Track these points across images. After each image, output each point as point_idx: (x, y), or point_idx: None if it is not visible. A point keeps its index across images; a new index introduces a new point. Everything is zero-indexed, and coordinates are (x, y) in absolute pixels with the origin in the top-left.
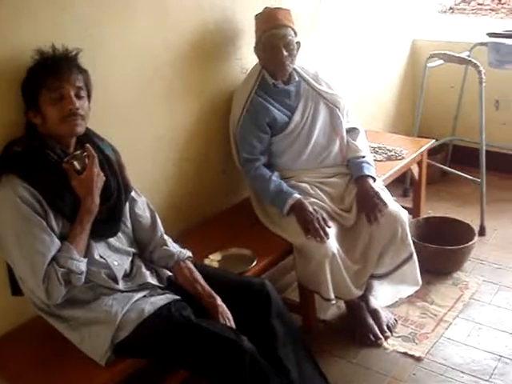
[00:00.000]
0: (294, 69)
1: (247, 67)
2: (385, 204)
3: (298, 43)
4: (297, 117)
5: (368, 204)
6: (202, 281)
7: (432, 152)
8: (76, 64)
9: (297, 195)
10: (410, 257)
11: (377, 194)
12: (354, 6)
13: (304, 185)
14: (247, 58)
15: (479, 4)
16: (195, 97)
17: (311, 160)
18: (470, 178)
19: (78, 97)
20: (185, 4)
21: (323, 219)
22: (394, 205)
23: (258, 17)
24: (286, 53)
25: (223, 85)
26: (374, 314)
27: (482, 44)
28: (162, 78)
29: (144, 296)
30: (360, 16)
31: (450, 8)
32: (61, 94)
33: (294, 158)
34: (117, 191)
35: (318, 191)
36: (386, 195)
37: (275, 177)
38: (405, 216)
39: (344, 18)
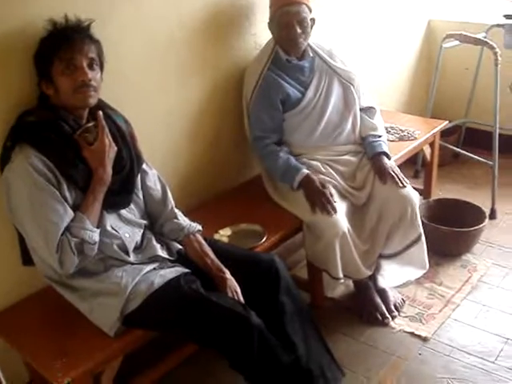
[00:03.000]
0: (309, 45)
1: (261, 43)
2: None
3: (313, 20)
4: (310, 93)
5: (384, 175)
6: (211, 254)
7: (444, 134)
8: (88, 35)
9: (305, 170)
10: (419, 238)
11: (392, 170)
12: None
13: (315, 163)
14: (261, 34)
15: None
16: (208, 72)
17: (324, 137)
18: (483, 160)
19: (91, 68)
20: None
21: (330, 194)
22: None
23: None
24: (299, 30)
25: (237, 60)
26: (382, 293)
27: (498, 26)
28: (175, 51)
29: (154, 268)
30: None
31: None
32: (73, 65)
33: (306, 134)
34: (129, 162)
35: (330, 169)
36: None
37: (283, 153)
38: (415, 197)
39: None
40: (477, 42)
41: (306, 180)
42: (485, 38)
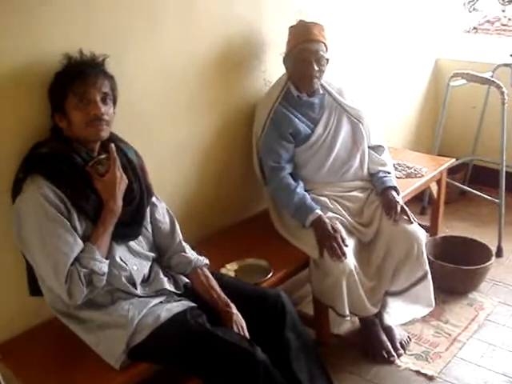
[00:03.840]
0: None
1: (271, 80)
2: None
3: (328, 60)
4: (319, 129)
5: (393, 208)
6: (218, 289)
7: (451, 171)
8: (103, 70)
9: (318, 211)
10: (425, 276)
11: (400, 205)
12: (379, 23)
13: (323, 198)
14: (271, 71)
15: (503, 25)
16: (219, 107)
17: (332, 173)
18: (489, 198)
19: (104, 102)
20: (212, 16)
21: (342, 238)
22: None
23: (292, 28)
24: (316, 68)
25: (247, 96)
26: (388, 330)
27: (505, 65)
28: (187, 86)
29: (161, 302)
30: (385, 34)
31: (474, 28)
32: (87, 99)
33: (314, 170)
34: (139, 194)
35: (337, 205)
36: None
37: (300, 188)
38: (421, 234)
39: (368, 35)
40: (484, 81)
41: (318, 221)
42: (491, 77)
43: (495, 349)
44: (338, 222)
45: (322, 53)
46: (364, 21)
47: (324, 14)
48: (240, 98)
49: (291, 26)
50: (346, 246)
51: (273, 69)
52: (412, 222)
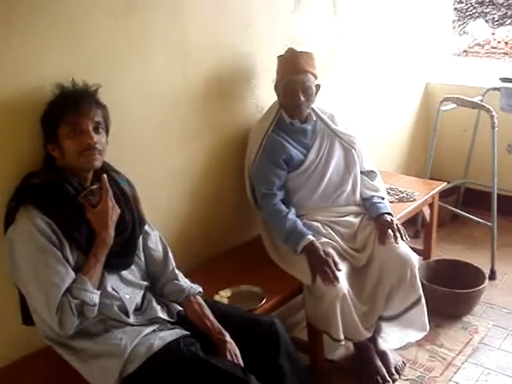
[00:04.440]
0: (312, 108)
1: (263, 106)
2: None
3: (318, 86)
4: (312, 155)
5: (391, 228)
6: (211, 317)
7: (443, 194)
8: (95, 99)
9: (310, 237)
10: (419, 300)
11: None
12: (369, 48)
13: (316, 224)
14: (263, 98)
15: (493, 47)
16: (211, 134)
17: (324, 198)
18: (481, 221)
19: (97, 131)
20: (204, 44)
21: (334, 262)
22: (403, 247)
23: (280, 58)
24: (303, 98)
25: (239, 123)
26: (383, 355)
27: (494, 89)
28: (180, 114)
29: (153, 330)
30: (374, 58)
31: (464, 51)
32: (79, 129)
33: (307, 195)
34: (131, 224)
35: (330, 230)
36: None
37: (291, 214)
38: (415, 259)
39: (359, 60)
40: (473, 105)
41: (310, 246)
42: (481, 101)
43: (490, 372)
44: (330, 247)
45: (309, 83)
46: (356, 47)
47: (315, 40)
48: (232, 124)
49: (279, 56)
50: (339, 270)
51: (265, 95)
52: (407, 240)
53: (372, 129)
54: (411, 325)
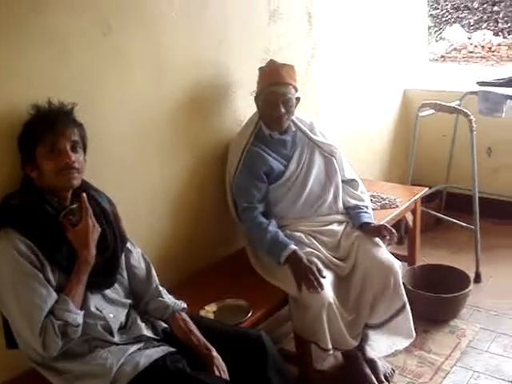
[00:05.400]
0: (291, 119)
1: (242, 119)
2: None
3: (298, 98)
4: (292, 165)
5: (378, 229)
6: (197, 332)
7: (426, 199)
8: (72, 118)
9: (292, 246)
10: (404, 307)
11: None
12: (346, 57)
13: (299, 234)
14: (242, 111)
15: (470, 52)
16: (190, 148)
17: (306, 208)
18: (464, 224)
19: (74, 150)
20: (181, 58)
21: (318, 270)
22: (386, 254)
23: (261, 70)
24: (283, 110)
25: (218, 136)
26: (371, 363)
27: (472, 93)
28: (158, 130)
29: (139, 348)
30: (352, 67)
31: (442, 56)
32: (57, 149)
33: (288, 206)
34: (113, 242)
35: (313, 240)
36: (380, 244)
37: (272, 226)
38: (397, 266)
39: (336, 69)
40: (451, 110)
41: (294, 256)
42: (459, 105)
43: (479, 375)
44: (314, 257)
45: (289, 95)
46: (333, 56)
47: (291, 51)
48: (212, 138)
49: (260, 68)
50: (323, 277)
51: (243, 108)
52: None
53: (352, 137)
54: (398, 332)
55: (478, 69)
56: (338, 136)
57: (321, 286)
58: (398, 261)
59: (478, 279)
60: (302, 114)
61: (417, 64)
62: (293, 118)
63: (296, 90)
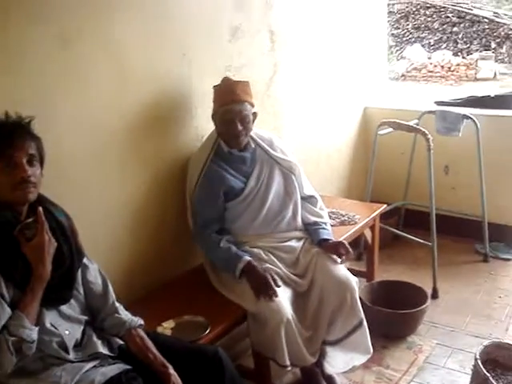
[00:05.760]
0: (250, 136)
1: (203, 134)
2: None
3: (255, 114)
4: (251, 182)
5: (335, 246)
6: (154, 349)
7: (385, 216)
8: (29, 131)
9: (247, 257)
10: (361, 324)
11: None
12: (308, 74)
13: (257, 250)
14: (203, 126)
15: (429, 71)
16: (151, 163)
17: (265, 225)
18: (422, 241)
19: (30, 164)
20: (142, 73)
21: (273, 278)
22: (344, 271)
23: (216, 88)
24: (240, 127)
25: (179, 151)
26: (330, 380)
27: (430, 112)
28: (118, 144)
29: (94, 366)
30: (313, 84)
31: (402, 75)
32: (13, 163)
33: (248, 222)
34: (69, 257)
35: (272, 256)
36: (336, 261)
37: (224, 242)
38: (354, 282)
39: (298, 86)
40: (409, 129)
41: (249, 267)
42: (417, 124)
43: None
44: (272, 272)
45: (246, 112)
46: (294, 73)
47: (253, 68)
48: (173, 153)
49: (215, 86)
50: (278, 286)
51: (205, 124)
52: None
53: (313, 153)
54: (355, 348)
55: (438, 88)
56: (299, 152)
57: (275, 293)
58: (355, 277)
59: (435, 295)
60: (261, 130)
61: (377, 82)
62: (252, 134)
63: (252, 106)
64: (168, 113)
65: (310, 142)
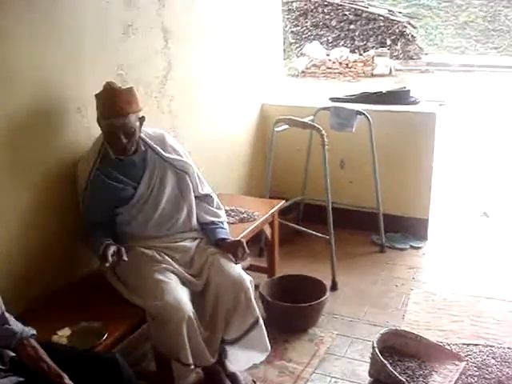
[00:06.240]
0: (140, 138)
1: (96, 135)
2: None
3: (142, 118)
4: (142, 187)
5: (232, 245)
6: (47, 359)
7: (285, 212)
8: None
9: (106, 241)
10: (257, 322)
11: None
12: (203, 71)
13: (150, 251)
14: (95, 126)
15: (328, 68)
16: (40, 166)
17: (158, 228)
18: (320, 235)
19: None
20: (27, 73)
21: (114, 251)
22: (238, 270)
23: (98, 96)
24: (125, 140)
25: (70, 153)
26: (233, 377)
27: (324, 108)
28: (2, 150)
29: None
30: (209, 81)
31: (302, 72)
32: None
33: (139, 227)
34: None
35: (166, 257)
36: (232, 261)
37: (96, 235)
38: (248, 282)
39: (194, 84)
40: (304, 125)
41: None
42: (313, 120)
43: (337, 381)
44: (169, 272)
45: (130, 125)
46: (189, 71)
47: (146, 66)
48: (64, 155)
49: (97, 95)
50: (122, 258)
51: (95, 124)
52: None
53: (212, 152)
54: (253, 346)
55: (336, 84)
56: (197, 150)
57: (106, 258)
58: (250, 276)
59: (334, 287)
60: (151, 130)
61: (274, 79)
62: (142, 135)
63: (138, 115)
64: (57, 112)
65: (209, 140)
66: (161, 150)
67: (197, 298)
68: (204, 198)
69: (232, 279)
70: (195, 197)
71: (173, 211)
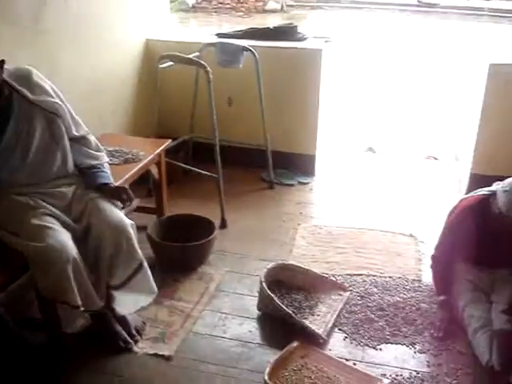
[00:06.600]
0: (3, 80)
1: None
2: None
3: (3, 61)
4: (8, 135)
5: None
6: None
7: (174, 151)
8: None
9: None
10: (141, 266)
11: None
12: (82, 2)
13: (23, 198)
14: None
15: (220, 3)
16: None
17: (31, 176)
18: (208, 174)
19: None
20: None
21: None
22: (119, 216)
23: None
24: None
25: None
26: (122, 320)
27: (210, 44)
28: None
29: None
30: (88, 14)
31: (193, 6)
32: None
33: (11, 175)
34: None
35: (42, 203)
36: (115, 205)
37: None
38: (130, 227)
39: (73, 16)
40: (189, 62)
41: None
42: (199, 57)
43: (227, 317)
44: (47, 216)
45: None
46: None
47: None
48: None
49: None
50: None
51: None
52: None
53: (94, 90)
54: (139, 290)
55: (227, 20)
56: (78, 87)
57: None
58: (131, 221)
59: (223, 225)
60: (16, 68)
61: (160, 13)
62: (5, 77)
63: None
64: None
65: (89, 77)
66: (27, 93)
67: (81, 242)
68: (80, 140)
69: (113, 224)
70: (70, 139)
71: (45, 157)
